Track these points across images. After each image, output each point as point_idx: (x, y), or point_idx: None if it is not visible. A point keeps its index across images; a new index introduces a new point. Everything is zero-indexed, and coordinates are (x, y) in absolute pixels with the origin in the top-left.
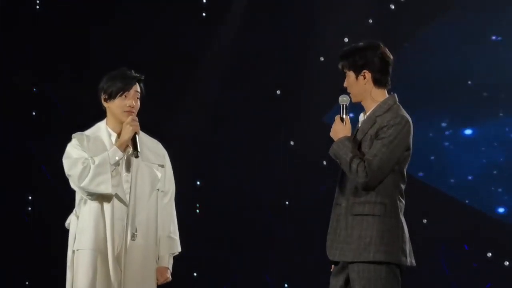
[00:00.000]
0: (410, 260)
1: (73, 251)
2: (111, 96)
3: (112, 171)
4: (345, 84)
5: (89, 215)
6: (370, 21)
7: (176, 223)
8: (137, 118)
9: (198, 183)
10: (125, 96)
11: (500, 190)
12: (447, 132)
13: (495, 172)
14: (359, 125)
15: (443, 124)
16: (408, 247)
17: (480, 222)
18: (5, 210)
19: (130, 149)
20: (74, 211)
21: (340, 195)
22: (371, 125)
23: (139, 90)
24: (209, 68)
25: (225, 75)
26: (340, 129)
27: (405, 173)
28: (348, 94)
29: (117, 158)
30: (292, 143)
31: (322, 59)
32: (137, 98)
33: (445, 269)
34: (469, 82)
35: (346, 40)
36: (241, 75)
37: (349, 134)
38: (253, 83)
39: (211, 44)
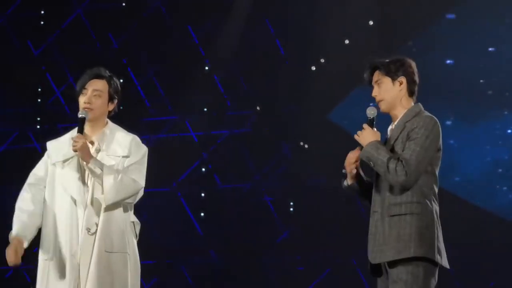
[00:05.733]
0: (444, 261)
1: None
2: (77, 95)
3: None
4: (375, 93)
5: (44, 221)
6: (372, 21)
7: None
8: (79, 140)
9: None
10: (83, 94)
11: (504, 188)
12: (452, 130)
13: (499, 170)
14: (388, 135)
15: (448, 122)
16: (442, 247)
17: (485, 220)
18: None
19: (94, 147)
20: None
21: (377, 202)
22: (400, 131)
23: (98, 88)
24: (213, 62)
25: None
26: (370, 134)
27: (437, 175)
28: (375, 106)
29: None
30: (302, 143)
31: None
32: (96, 95)
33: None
34: (474, 81)
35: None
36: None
37: (379, 139)
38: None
39: (217, 38)
